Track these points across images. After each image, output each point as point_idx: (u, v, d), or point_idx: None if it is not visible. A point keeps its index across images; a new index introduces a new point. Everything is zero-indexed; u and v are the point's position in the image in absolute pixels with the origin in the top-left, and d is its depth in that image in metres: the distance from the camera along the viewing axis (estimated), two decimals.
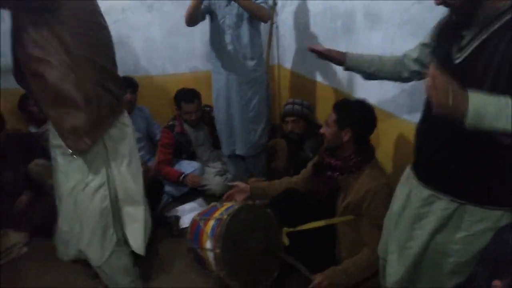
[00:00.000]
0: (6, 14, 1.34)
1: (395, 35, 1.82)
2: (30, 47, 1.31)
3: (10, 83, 2.65)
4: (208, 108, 2.87)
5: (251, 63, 2.43)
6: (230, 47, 2.39)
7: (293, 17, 2.88)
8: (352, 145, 1.72)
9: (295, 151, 2.41)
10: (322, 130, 1.79)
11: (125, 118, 1.61)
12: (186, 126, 2.77)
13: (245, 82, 2.46)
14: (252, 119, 2.53)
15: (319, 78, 2.64)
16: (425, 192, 1.19)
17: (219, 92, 2.56)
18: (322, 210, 1.84)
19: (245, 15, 2.31)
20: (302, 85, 2.91)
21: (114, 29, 2.78)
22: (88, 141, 1.42)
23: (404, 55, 1.43)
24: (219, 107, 2.60)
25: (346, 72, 2.27)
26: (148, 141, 2.92)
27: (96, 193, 1.50)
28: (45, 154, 2.47)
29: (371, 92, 2.05)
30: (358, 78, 2.14)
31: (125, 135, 1.58)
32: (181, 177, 2.64)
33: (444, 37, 1.15)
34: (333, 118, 1.73)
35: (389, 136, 1.96)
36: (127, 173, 1.58)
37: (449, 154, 1.11)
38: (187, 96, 2.70)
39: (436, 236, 1.17)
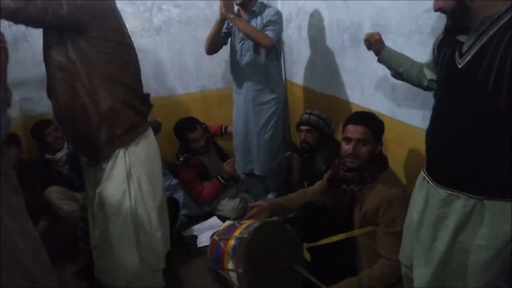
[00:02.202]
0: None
1: (405, 45, 1.83)
2: (54, 65, 1.38)
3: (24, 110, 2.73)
4: (204, 125, 2.88)
5: (269, 84, 2.49)
6: (248, 69, 2.46)
7: (299, 32, 2.91)
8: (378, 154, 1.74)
9: (308, 163, 2.41)
10: (351, 150, 1.71)
11: (150, 135, 1.63)
12: (198, 156, 2.77)
13: (263, 103, 2.51)
14: (269, 140, 2.56)
15: (331, 91, 2.65)
16: (443, 193, 1.20)
17: (238, 112, 2.62)
18: (341, 223, 1.83)
19: None
20: (312, 98, 2.92)
21: None
22: (103, 155, 1.47)
23: (423, 64, 1.49)
24: (237, 127, 2.67)
25: (357, 85, 2.30)
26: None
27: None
28: (61, 180, 2.50)
29: (382, 102, 2.06)
30: (369, 91, 2.16)
31: (147, 152, 1.59)
32: (221, 180, 2.67)
33: (446, 44, 1.22)
34: (369, 134, 1.70)
35: (402, 145, 1.95)
36: (147, 190, 1.58)
37: (462, 152, 1.14)
38: (188, 125, 2.69)
39: (459, 235, 1.17)
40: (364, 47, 2.13)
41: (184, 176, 2.70)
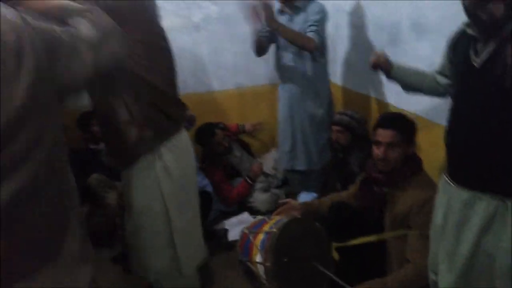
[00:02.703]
0: None
1: (444, 45, 1.78)
2: None
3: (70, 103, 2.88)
4: (221, 124, 2.91)
5: (313, 80, 2.50)
6: (292, 65, 2.48)
7: (336, 31, 2.89)
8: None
9: (340, 164, 2.39)
10: (381, 155, 1.70)
11: (182, 141, 1.61)
12: (223, 157, 2.82)
13: (309, 97, 2.53)
14: (315, 133, 2.57)
15: (368, 91, 2.62)
16: (464, 194, 1.18)
17: (284, 108, 2.65)
18: (372, 225, 1.82)
19: None
20: (349, 98, 2.90)
21: None
22: (127, 159, 1.48)
23: (434, 72, 1.49)
24: (282, 122, 2.69)
25: (393, 85, 2.26)
26: None
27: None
28: (102, 169, 2.64)
29: (419, 103, 2.02)
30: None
31: (178, 157, 1.56)
32: (248, 181, 2.71)
33: (461, 44, 1.22)
34: (399, 137, 1.68)
35: (439, 148, 1.90)
36: (175, 197, 1.56)
37: (482, 152, 1.13)
38: (208, 132, 2.73)
39: (483, 238, 1.15)
40: (403, 46, 2.12)
41: (211, 177, 2.76)
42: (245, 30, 2.89)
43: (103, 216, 2.52)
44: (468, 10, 1.11)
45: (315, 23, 2.31)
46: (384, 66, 1.61)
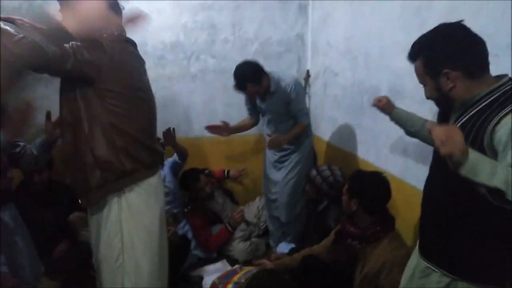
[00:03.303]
0: None
1: (418, 111, 1.88)
2: (63, 106, 1.49)
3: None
4: (207, 171, 3.01)
5: (294, 141, 2.64)
6: (276, 119, 2.66)
7: (324, 89, 3.04)
8: (367, 214, 1.75)
9: (317, 218, 2.42)
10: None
11: (151, 185, 1.62)
12: (206, 202, 2.87)
13: (288, 149, 2.67)
14: (292, 186, 2.68)
15: (348, 148, 2.71)
16: (423, 263, 1.23)
17: (266, 157, 2.85)
18: (342, 279, 1.82)
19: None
20: (332, 153, 2.98)
21: (161, 95, 3.11)
22: (91, 201, 1.51)
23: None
24: (265, 172, 2.85)
25: (373, 144, 2.36)
26: (179, 192, 2.98)
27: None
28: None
29: (395, 163, 2.09)
30: (383, 151, 2.21)
31: (144, 199, 1.59)
32: (229, 228, 2.73)
33: (440, 119, 1.31)
34: (346, 187, 1.79)
35: (412, 209, 1.94)
36: (137, 242, 1.57)
37: (442, 228, 1.17)
38: (192, 176, 2.82)
39: None
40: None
41: (192, 223, 2.78)
42: None
43: (80, 254, 2.50)
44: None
45: (297, 104, 2.56)
46: (386, 108, 1.72)
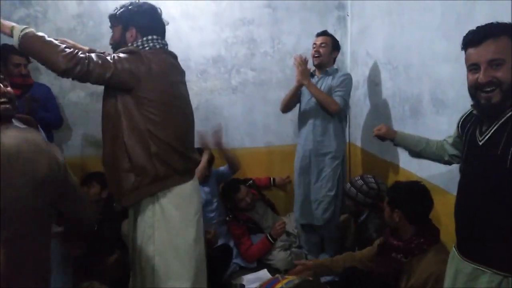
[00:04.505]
0: None
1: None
2: (105, 113, 1.60)
3: None
4: (251, 181, 3.07)
5: (329, 139, 2.63)
6: (311, 122, 2.65)
7: (365, 99, 3.03)
8: (410, 226, 1.73)
9: (359, 229, 2.41)
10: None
11: (185, 191, 1.68)
12: (246, 213, 2.92)
13: (321, 155, 2.65)
14: (325, 193, 2.64)
15: (388, 157, 2.68)
16: (469, 267, 1.20)
17: (297, 162, 2.78)
18: None
19: None
20: (371, 163, 2.96)
21: (203, 107, 3.23)
22: (125, 202, 1.59)
23: (444, 141, 1.58)
24: (296, 178, 2.80)
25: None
26: (221, 201, 3.04)
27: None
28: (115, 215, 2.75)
29: (438, 174, 2.05)
30: (426, 161, 2.17)
31: (178, 206, 1.65)
32: (269, 239, 2.76)
33: (469, 122, 1.30)
34: (386, 200, 1.78)
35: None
36: (169, 246, 1.63)
37: (487, 227, 1.15)
38: (233, 187, 2.89)
39: None
40: (423, 118, 2.20)
41: (233, 231, 2.85)
42: (276, 94, 3.14)
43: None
44: (470, 93, 1.21)
45: (341, 89, 2.51)
46: (388, 135, 1.75)
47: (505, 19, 1.17)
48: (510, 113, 1.12)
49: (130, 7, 1.66)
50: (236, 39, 3.20)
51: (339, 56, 3.29)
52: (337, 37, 3.23)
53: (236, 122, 3.34)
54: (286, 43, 3.25)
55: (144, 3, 1.71)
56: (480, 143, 1.20)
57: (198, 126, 2.95)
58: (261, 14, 3.19)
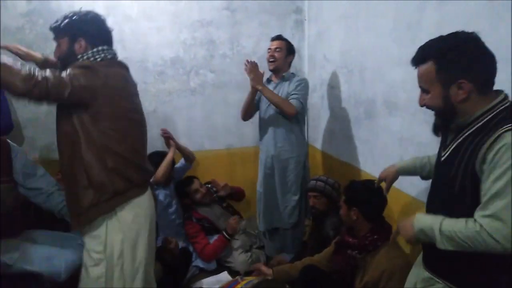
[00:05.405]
0: None
1: (411, 123, 1.95)
2: (60, 128, 1.56)
3: None
4: (210, 185, 3.05)
5: (290, 144, 2.65)
6: (272, 128, 2.66)
7: (322, 102, 3.10)
8: (366, 224, 1.79)
9: (317, 228, 2.46)
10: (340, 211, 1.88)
11: (142, 203, 1.67)
12: (200, 210, 2.90)
13: (283, 160, 2.66)
14: (289, 197, 2.67)
15: (346, 158, 2.76)
16: (426, 274, 1.25)
17: (261, 169, 2.79)
18: None
19: None
20: (329, 164, 3.03)
21: (161, 109, 3.17)
22: (84, 221, 1.55)
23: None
24: (260, 184, 2.81)
25: (369, 155, 2.41)
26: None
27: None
28: None
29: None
30: (379, 162, 2.25)
31: (135, 217, 1.63)
32: (225, 235, 2.75)
33: (440, 137, 1.27)
34: (343, 199, 1.83)
35: (408, 215, 1.98)
36: (126, 255, 1.62)
37: None
38: (185, 181, 2.91)
39: None
40: (377, 120, 2.28)
41: (187, 231, 2.81)
42: (236, 96, 3.14)
43: None
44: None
45: (297, 92, 2.53)
46: (393, 179, 1.63)
47: (452, 26, 1.22)
48: (467, 133, 1.09)
49: (75, 18, 1.60)
50: (194, 40, 3.17)
51: (297, 60, 3.36)
52: (295, 41, 3.32)
53: (195, 124, 3.30)
54: (246, 45, 3.26)
55: (89, 12, 1.65)
56: (441, 160, 1.20)
57: (156, 129, 2.95)
58: (220, 16, 3.18)
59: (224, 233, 2.76)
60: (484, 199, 1.01)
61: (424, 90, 1.14)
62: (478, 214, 1.01)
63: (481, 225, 0.99)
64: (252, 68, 2.48)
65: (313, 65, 3.30)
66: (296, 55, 3.36)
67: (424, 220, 1.12)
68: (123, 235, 1.60)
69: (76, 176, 1.53)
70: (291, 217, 2.68)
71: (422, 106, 1.17)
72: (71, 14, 1.61)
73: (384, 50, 2.15)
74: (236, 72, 3.26)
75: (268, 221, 2.76)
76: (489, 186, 0.99)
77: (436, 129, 1.22)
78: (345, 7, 2.60)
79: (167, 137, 2.89)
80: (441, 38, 1.10)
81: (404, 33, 1.95)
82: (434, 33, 1.20)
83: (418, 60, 1.12)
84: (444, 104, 1.10)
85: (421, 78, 1.13)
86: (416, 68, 1.15)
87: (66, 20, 1.59)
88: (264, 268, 2.14)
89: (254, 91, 2.56)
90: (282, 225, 2.72)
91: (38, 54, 1.90)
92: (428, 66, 1.09)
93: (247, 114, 2.75)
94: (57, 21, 1.62)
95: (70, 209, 1.61)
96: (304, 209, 2.76)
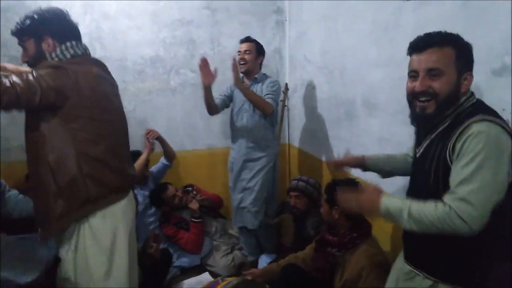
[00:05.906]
0: None
1: (390, 124, 1.98)
2: (27, 135, 1.46)
3: None
4: (190, 188, 3.03)
5: (260, 144, 2.65)
6: (243, 128, 2.66)
7: (302, 102, 3.12)
8: (347, 222, 1.81)
9: (299, 227, 2.47)
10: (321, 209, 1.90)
11: (118, 210, 1.56)
12: (178, 212, 2.88)
13: (253, 160, 2.66)
14: (256, 193, 2.65)
15: (323, 157, 2.79)
16: (407, 267, 1.28)
17: (232, 166, 2.78)
18: (322, 287, 1.87)
19: None
20: (309, 163, 3.06)
21: (141, 109, 3.12)
22: (53, 232, 1.46)
23: (406, 154, 1.53)
24: (231, 183, 2.80)
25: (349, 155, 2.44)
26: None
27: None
28: None
29: (370, 173, 2.16)
30: None
31: (111, 226, 1.53)
32: (193, 220, 2.77)
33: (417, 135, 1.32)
34: (324, 198, 1.85)
35: None
36: (103, 264, 1.52)
37: (425, 236, 1.17)
38: (161, 188, 2.85)
39: None
40: (357, 120, 2.32)
41: (166, 233, 2.79)
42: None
43: None
44: (408, 100, 1.21)
45: (271, 93, 2.54)
46: (354, 164, 1.66)
47: (430, 28, 1.24)
48: (440, 129, 1.15)
49: (37, 16, 1.50)
50: (174, 39, 3.14)
51: (277, 60, 3.39)
52: (276, 41, 3.34)
53: (175, 124, 3.27)
54: (227, 45, 3.25)
55: (50, 8, 1.55)
56: (417, 156, 1.25)
57: (135, 128, 2.90)
58: (200, 15, 3.16)
59: (192, 220, 2.77)
60: (453, 184, 1.05)
61: (434, 74, 1.12)
62: (447, 197, 1.06)
63: (450, 207, 1.03)
64: (236, 66, 2.44)
65: (293, 65, 3.32)
66: (277, 56, 3.40)
67: (393, 201, 1.15)
68: (97, 244, 1.50)
69: (45, 184, 1.42)
70: (256, 217, 2.66)
71: (420, 91, 1.14)
72: (32, 13, 1.51)
73: (363, 51, 2.19)
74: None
75: (239, 219, 2.75)
76: (457, 172, 1.05)
77: (417, 119, 1.22)
78: (325, 8, 2.63)
79: (156, 138, 2.90)
80: (440, 32, 1.15)
81: (382, 34, 1.99)
82: (412, 34, 1.23)
83: (432, 42, 1.12)
84: (453, 91, 1.12)
85: (437, 61, 1.11)
86: (419, 53, 1.15)
87: (28, 21, 1.50)
88: (257, 272, 2.13)
89: (207, 87, 2.50)
90: (249, 226, 2.70)
91: (28, 69, 1.71)
92: (448, 50, 1.11)
93: (209, 110, 2.66)
94: (18, 24, 1.52)
95: (38, 219, 1.50)
96: (274, 209, 2.79)
